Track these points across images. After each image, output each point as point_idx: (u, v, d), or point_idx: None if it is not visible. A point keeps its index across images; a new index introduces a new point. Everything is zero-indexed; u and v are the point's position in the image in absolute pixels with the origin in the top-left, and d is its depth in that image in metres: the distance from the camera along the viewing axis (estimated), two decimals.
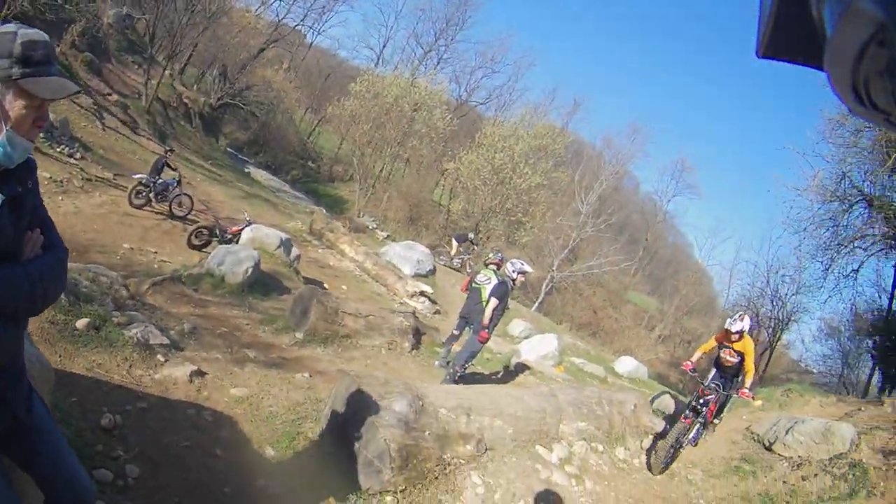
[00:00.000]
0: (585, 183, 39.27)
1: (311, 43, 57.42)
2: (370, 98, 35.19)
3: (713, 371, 10.10)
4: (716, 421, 10.26)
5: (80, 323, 5.78)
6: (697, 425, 9.24)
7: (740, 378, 9.85)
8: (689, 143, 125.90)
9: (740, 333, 9.41)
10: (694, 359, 9.97)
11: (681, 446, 9.08)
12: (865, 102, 0.54)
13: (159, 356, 6.22)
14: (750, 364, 9.58)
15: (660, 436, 9.24)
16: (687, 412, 9.11)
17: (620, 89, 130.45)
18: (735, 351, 9.58)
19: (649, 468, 8.61)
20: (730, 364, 9.68)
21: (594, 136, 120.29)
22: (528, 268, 10.50)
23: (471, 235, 24.57)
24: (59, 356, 5.19)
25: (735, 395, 9.84)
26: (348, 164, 44.03)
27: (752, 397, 9.84)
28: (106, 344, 5.83)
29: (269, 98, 42.62)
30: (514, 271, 10.21)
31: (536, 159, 35.24)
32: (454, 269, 24.21)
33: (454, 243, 24.72)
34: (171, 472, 4.59)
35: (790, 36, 0.65)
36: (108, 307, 6.59)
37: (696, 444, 9.84)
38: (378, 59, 58.75)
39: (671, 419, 10.23)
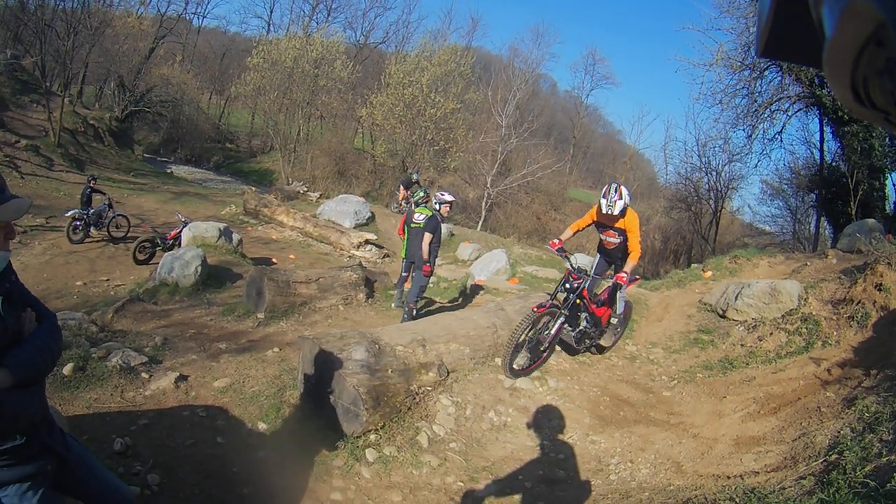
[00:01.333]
0: (500, 95, 39.18)
1: (200, 27, 56.33)
2: (269, 66, 35.24)
3: (598, 257, 9.35)
4: (613, 320, 9.03)
5: (67, 369, 6.13)
6: (561, 318, 7.90)
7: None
8: (595, 37, 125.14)
9: (623, 211, 8.20)
10: (563, 237, 8.57)
11: (541, 346, 8.03)
12: (864, 102, 0.56)
13: (143, 374, 6.59)
14: (634, 243, 8.45)
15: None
16: (545, 302, 7.86)
17: None
18: (616, 230, 8.53)
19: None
20: (613, 246, 8.70)
21: (500, 48, 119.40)
22: (448, 197, 10.77)
23: (415, 177, 24.72)
24: (60, 405, 5.54)
25: (610, 281, 8.59)
26: (265, 136, 44.33)
27: (626, 282, 8.27)
28: (95, 380, 6.20)
29: (171, 94, 42.00)
30: (436, 203, 10.60)
31: (446, 85, 35.52)
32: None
33: (402, 189, 25.05)
34: (185, 470, 5.03)
35: (789, 35, 0.67)
36: (85, 346, 6.87)
37: (601, 351, 9.31)
38: (269, 25, 58.04)
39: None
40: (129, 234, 16.15)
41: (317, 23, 49.88)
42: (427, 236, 10.17)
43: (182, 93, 43.37)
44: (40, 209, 17.20)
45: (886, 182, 22.54)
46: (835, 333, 8.82)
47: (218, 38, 59.43)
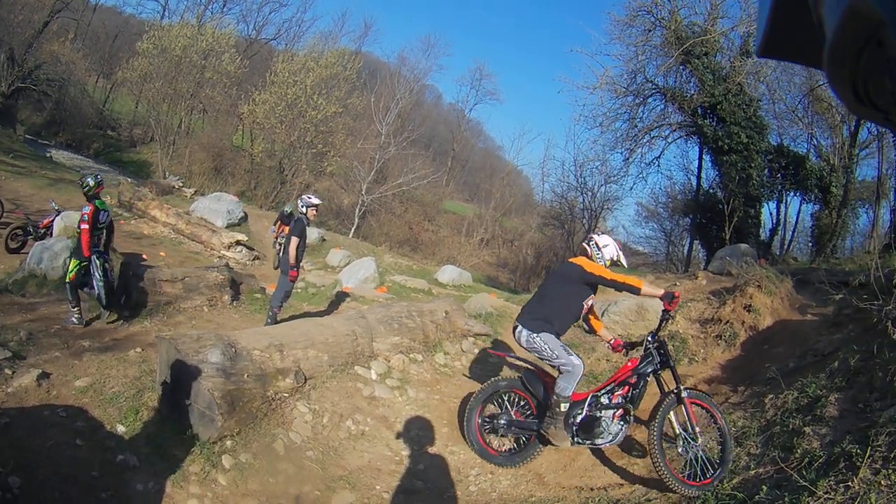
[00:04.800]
0: (384, 103, 39.84)
1: (96, 5, 54.29)
2: (158, 53, 34.50)
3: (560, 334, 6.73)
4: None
5: None
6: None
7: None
8: (484, 51, 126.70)
9: None
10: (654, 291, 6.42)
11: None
12: (865, 101, 0.57)
13: (6, 370, 6.58)
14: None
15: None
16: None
17: (413, 3, 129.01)
18: None
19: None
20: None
21: (390, 55, 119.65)
22: (314, 200, 10.73)
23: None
24: None
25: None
26: (147, 126, 42.96)
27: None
28: None
29: (59, 73, 40.39)
30: (302, 206, 10.52)
31: (329, 88, 35.62)
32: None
33: (279, 225, 24.68)
34: (46, 473, 4.98)
35: (790, 35, 0.66)
36: None
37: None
38: (164, 10, 56.47)
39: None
40: (1, 220, 15.60)
41: (211, 12, 48.77)
42: (294, 240, 10.18)
43: (70, 73, 41.69)
44: None
45: (762, 210, 23.96)
46: (702, 351, 9.38)
47: (113, 19, 57.11)
